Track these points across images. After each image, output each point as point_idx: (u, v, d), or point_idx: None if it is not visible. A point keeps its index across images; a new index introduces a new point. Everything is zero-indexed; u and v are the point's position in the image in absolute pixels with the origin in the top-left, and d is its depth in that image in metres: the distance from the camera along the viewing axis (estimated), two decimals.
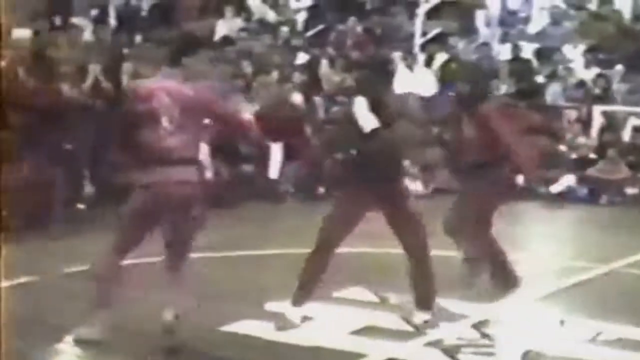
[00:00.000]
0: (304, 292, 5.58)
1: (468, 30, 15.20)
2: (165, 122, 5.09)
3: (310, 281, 5.58)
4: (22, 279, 6.46)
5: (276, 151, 10.98)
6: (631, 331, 5.52)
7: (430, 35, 14.85)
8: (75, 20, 12.64)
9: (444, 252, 7.47)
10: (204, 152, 10.36)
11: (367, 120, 5.37)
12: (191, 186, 5.13)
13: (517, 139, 6.69)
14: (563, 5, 15.33)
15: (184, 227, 5.29)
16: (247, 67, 11.82)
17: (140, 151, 5.14)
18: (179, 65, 5.24)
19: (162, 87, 5.17)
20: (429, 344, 5.23)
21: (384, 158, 5.43)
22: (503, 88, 13.54)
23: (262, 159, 10.96)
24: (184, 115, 5.10)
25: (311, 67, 12.76)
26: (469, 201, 6.57)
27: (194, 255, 7.26)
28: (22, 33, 9.41)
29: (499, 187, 6.57)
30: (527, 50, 14.38)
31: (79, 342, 5.14)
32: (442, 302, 6.02)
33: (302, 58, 13.10)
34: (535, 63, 14.06)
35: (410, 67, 13.50)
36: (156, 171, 5.09)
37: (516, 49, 14.13)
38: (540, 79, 13.69)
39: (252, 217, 9.71)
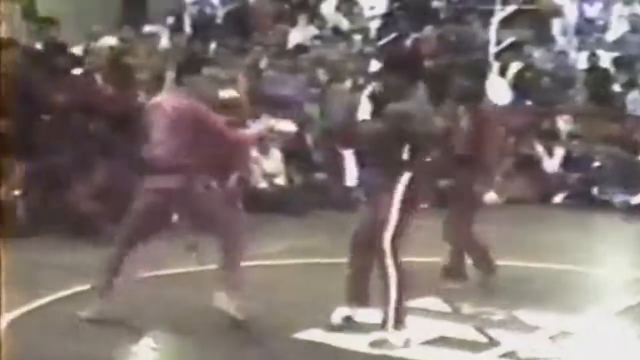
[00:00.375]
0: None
1: (544, 38, 14.98)
2: (155, 133, 5.59)
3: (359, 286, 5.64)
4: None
5: (350, 159, 10.96)
6: None
7: (505, 44, 14.68)
8: (152, 28, 12.84)
9: (517, 262, 7.42)
10: (275, 158, 10.42)
11: (363, 110, 5.60)
12: (172, 193, 5.52)
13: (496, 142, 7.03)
14: None
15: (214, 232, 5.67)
16: (322, 75, 11.83)
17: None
18: (182, 85, 5.67)
19: (163, 101, 5.70)
20: (504, 355, 5.15)
21: (370, 149, 5.61)
22: (579, 96, 13.31)
23: (336, 167, 10.94)
24: (172, 127, 5.54)
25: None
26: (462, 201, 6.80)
27: (266, 262, 7.35)
28: (106, 41, 9.61)
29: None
30: (605, 58, 14.10)
31: (83, 320, 5.63)
32: (517, 313, 5.95)
33: (375, 66, 13.06)
34: (613, 71, 13.78)
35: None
36: (146, 178, 5.64)
37: (593, 57, 13.87)
38: (617, 87, 13.40)
39: (323, 225, 9.70)
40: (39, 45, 9.91)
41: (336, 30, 14.64)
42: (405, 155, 5.45)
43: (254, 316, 5.76)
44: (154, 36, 11.62)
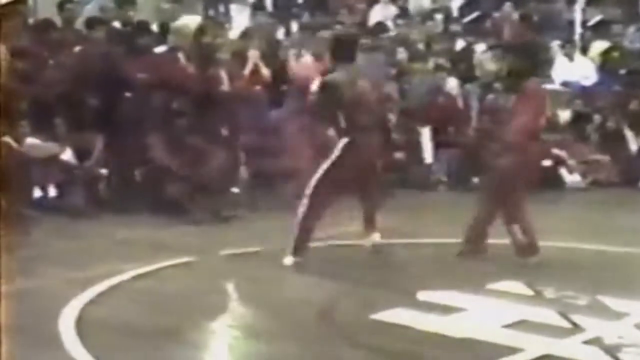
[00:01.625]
0: None
1: (633, 17, 14.56)
2: None
3: None
4: (183, 259, 6.63)
5: (427, 137, 10.91)
6: None
7: (591, 23, 14.32)
8: (234, 7, 12.89)
9: (601, 246, 7.27)
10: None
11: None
12: None
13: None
14: None
15: None
16: (402, 54, 11.72)
17: None
18: None
19: None
20: (588, 341, 5.03)
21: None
22: None
23: (415, 146, 10.88)
24: None
25: (466, 54, 12.55)
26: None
27: (346, 242, 7.34)
28: (186, 20, 9.64)
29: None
30: None
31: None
32: (601, 298, 5.81)
33: (460, 45, 12.90)
34: None
35: (569, 55, 13.07)
36: None
37: None
38: None
39: (404, 206, 9.62)
40: (117, 24, 10.02)
41: (417, 9, 14.48)
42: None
43: (330, 297, 5.77)
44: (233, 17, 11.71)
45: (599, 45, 13.47)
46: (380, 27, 12.57)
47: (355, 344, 5.04)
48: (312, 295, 5.84)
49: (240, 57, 9.58)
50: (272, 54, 10.02)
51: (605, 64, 13.01)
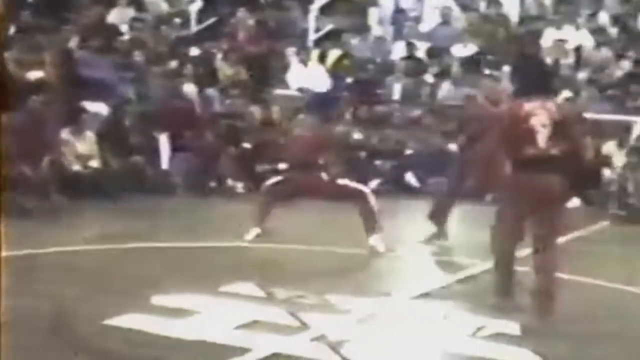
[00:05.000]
0: None
1: (361, 27, 15.29)
2: None
3: None
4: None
5: (164, 142, 10.91)
6: (510, 326, 5.65)
7: (323, 32, 14.90)
8: None
9: (328, 248, 7.60)
10: (88, 139, 10.17)
11: None
12: None
13: None
14: (454, 6, 15.47)
15: None
16: (139, 58, 11.65)
17: None
18: None
19: None
20: (315, 338, 5.25)
21: None
22: (398, 86, 13.62)
23: (152, 150, 10.84)
24: None
25: (205, 60, 12.68)
26: None
27: (79, 247, 7.20)
28: None
29: None
30: (420, 48, 14.51)
31: None
32: (329, 297, 6.09)
33: (194, 50, 12.99)
34: (426, 61, 14.21)
35: (304, 62, 13.53)
36: None
37: (411, 47, 14.20)
38: (429, 78, 13.83)
39: (141, 210, 9.57)
40: None
41: (155, 13, 14.41)
42: None
43: (63, 304, 5.66)
44: None
45: (331, 53, 14.07)
46: (116, 30, 12.42)
47: (85, 351, 4.97)
48: (45, 303, 5.68)
49: None
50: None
51: (337, 71, 13.62)
